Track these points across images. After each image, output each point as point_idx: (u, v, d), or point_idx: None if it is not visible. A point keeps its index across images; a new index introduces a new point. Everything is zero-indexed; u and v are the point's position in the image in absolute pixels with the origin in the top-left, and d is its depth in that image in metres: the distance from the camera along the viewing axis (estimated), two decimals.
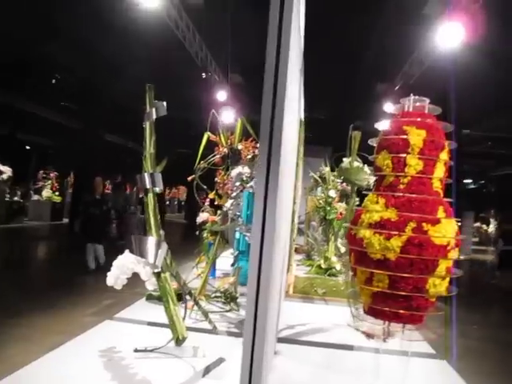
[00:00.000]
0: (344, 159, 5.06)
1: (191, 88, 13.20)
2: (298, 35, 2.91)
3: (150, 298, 4.71)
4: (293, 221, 5.62)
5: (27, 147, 29.42)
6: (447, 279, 2.74)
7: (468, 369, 4.20)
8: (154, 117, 3.29)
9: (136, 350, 3.28)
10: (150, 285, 3.05)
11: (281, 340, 3.86)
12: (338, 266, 7.27)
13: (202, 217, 5.27)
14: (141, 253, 2.97)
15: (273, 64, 2.29)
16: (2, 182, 13.41)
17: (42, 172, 17.73)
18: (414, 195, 2.63)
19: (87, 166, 13.50)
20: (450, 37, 6.99)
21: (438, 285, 2.64)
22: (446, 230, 2.60)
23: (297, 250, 10.39)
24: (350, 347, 3.75)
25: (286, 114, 2.46)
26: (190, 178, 4.98)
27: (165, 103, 3.31)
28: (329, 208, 7.51)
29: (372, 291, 2.74)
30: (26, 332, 3.93)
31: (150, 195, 3.18)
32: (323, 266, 7.30)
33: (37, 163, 23.68)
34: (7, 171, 13.85)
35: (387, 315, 2.73)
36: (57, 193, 16.43)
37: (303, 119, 6.50)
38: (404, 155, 2.69)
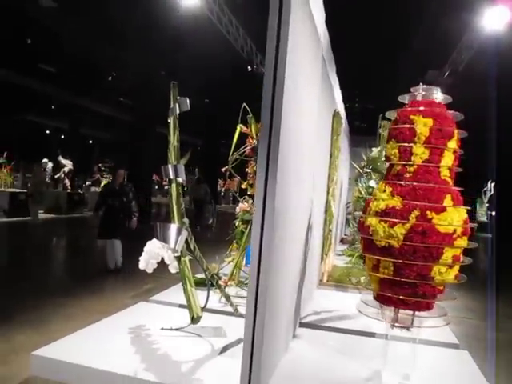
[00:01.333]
0: (373, 149, 5.05)
1: (238, 81, 13.44)
2: (309, 30, 2.99)
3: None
4: (326, 211, 5.69)
5: (90, 141, 31.30)
6: (455, 267, 2.74)
7: None
8: (178, 112, 3.50)
9: (162, 329, 3.55)
10: (173, 268, 3.28)
11: (303, 325, 3.99)
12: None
13: (241, 206, 5.44)
14: (163, 238, 3.20)
15: (272, 60, 2.43)
16: (63, 175, 14.46)
17: (99, 165, 18.75)
18: (418, 183, 2.65)
19: (140, 158, 14.19)
20: (497, 20, 6.65)
21: (444, 273, 2.65)
22: (451, 218, 2.60)
23: (342, 241, 10.38)
24: (371, 334, 3.80)
25: (291, 105, 2.58)
26: (223, 169, 5.17)
27: (187, 99, 3.51)
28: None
29: (379, 278, 2.80)
30: (72, 311, 4.32)
31: (173, 185, 3.41)
32: None
33: (97, 156, 25.11)
34: (68, 164, 14.88)
35: (394, 301, 2.78)
36: None
37: (340, 110, 6.51)
38: (410, 144, 2.71)
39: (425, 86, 2.87)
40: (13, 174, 12.18)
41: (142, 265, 3.56)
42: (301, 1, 2.73)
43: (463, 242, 2.67)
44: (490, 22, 6.71)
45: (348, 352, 3.39)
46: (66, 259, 8.41)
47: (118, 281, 5.90)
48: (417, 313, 2.89)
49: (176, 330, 3.53)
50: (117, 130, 22.05)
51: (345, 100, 7.74)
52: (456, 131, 2.76)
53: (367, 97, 15.25)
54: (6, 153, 12.17)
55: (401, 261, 2.62)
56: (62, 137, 26.17)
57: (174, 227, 3.24)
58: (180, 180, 3.44)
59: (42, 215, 12.37)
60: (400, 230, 2.62)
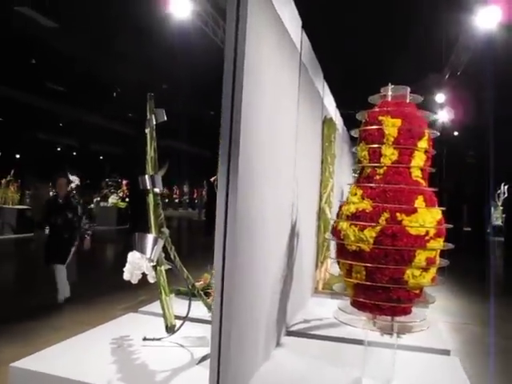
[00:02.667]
0: None
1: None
2: (277, 38, 3.00)
3: (178, 293, 4.98)
4: (319, 218, 5.65)
5: (100, 157, 31.77)
6: (431, 270, 2.68)
7: None
8: (154, 123, 3.53)
9: (145, 339, 3.53)
10: (151, 278, 3.28)
11: (290, 333, 3.93)
12: None
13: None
14: (140, 248, 3.21)
15: (231, 68, 2.44)
16: (71, 190, 14.64)
17: (107, 180, 19.02)
18: (388, 185, 2.62)
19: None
20: (490, 20, 6.60)
21: (418, 276, 2.60)
22: (423, 219, 2.56)
23: None
24: (357, 341, 3.72)
25: (252, 113, 2.56)
26: (212, 179, 5.18)
27: (164, 110, 3.54)
28: None
29: (353, 283, 2.76)
30: (62, 322, 4.34)
31: (151, 195, 3.42)
32: None
33: (108, 171, 25.43)
34: (75, 180, 15.08)
35: (369, 307, 2.73)
36: (126, 199, 17.56)
37: (334, 116, 6.49)
38: (379, 145, 2.68)
39: (393, 86, 2.85)
40: (19, 192, 12.40)
41: (126, 276, 3.56)
42: (261, 11, 2.74)
43: (437, 244, 2.62)
44: (484, 21, 6.66)
45: (332, 360, 3.32)
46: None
47: (116, 291, 5.88)
48: (397, 318, 2.84)
49: (158, 339, 3.51)
50: (125, 145, 22.35)
51: (346, 107, 7.72)
52: (426, 131, 2.72)
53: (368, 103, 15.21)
54: (13, 171, 12.42)
55: (372, 265, 2.58)
56: (74, 153, 26.62)
57: (150, 237, 3.25)
58: (157, 190, 3.45)
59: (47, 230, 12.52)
60: (370, 234, 2.58)
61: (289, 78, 3.52)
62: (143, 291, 5.57)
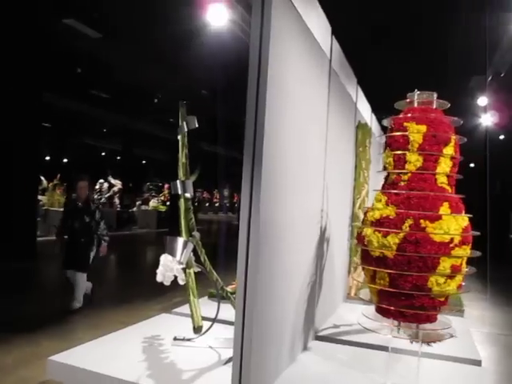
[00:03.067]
0: None
1: None
2: (304, 46, 3.05)
3: (211, 296, 5.09)
4: (353, 223, 5.61)
5: (143, 162, 32.73)
6: (457, 278, 2.65)
7: None
8: (186, 130, 3.65)
9: (175, 339, 3.65)
10: (181, 280, 3.39)
11: (319, 338, 3.95)
12: None
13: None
14: (171, 251, 3.33)
15: (255, 75, 2.52)
16: (113, 194, 15.25)
17: (148, 184, 19.59)
18: (412, 192, 2.61)
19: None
20: None
21: (442, 283, 2.57)
22: (448, 226, 2.53)
23: None
24: (386, 348, 3.69)
25: (276, 123, 2.61)
26: None
27: (195, 117, 3.65)
28: None
29: (377, 289, 2.76)
30: (97, 321, 4.55)
31: (182, 200, 3.54)
32: None
33: (151, 175, 26.17)
34: (117, 184, 15.67)
35: (392, 313, 2.72)
36: (167, 203, 18.00)
37: (369, 121, 6.44)
38: (404, 152, 2.68)
39: (420, 92, 2.83)
40: (65, 195, 13.01)
41: (159, 278, 3.69)
42: (285, 19, 2.80)
43: (462, 252, 2.58)
44: None
45: (357, 365, 3.32)
46: (105, 273, 8.82)
47: (153, 292, 6.03)
48: (421, 326, 2.81)
49: (188, 340, 3.62)
50: (167, 150, 22.91)
51: (384, 112, 7.62)
52: (453, 137, 2.69)
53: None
54: (59, 175, 13.06)
55: (395, 271, 2.58)
56: (118, 158, 27.55)
57: (180, 240, 3.36)
58: (188, 195, 3.56)
59: None
60: (393, 240, 2.58)
61: (318, 84, 3.56)
62: (179, 293, 5.72)
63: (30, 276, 4.97)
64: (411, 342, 3.85)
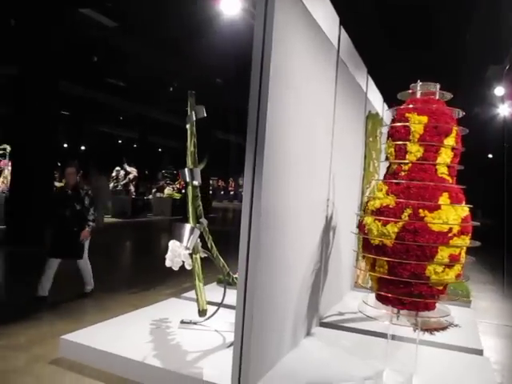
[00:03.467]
0: None
1: None
2: (309, 36, 3.08)
3: (219, 281, 5.21)
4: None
5: (159, 149, 32.96)
6: (456, 267, 2.68)
7: None
8: (194, 119, 3.73)
9: (182, 322, 3.78)
10: (187, 265, 3.49)
11: (324, 324, 4.03)
12: None
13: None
14: (178, 237, 3.43)
15: (258, 65, 2.57)
16: (128, 181, 15.48)
17: (163, 172, 19.77)
18: (412, 181, 2.64)
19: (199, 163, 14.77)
20: None
21: (440, 272, 2.61)
22: (446, 216, 2.56)
23: None
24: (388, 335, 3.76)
25: (278, 112, 2.67)
26: None
27: (203, 107, 3.73)
28: None
29: (377, 277, 2.81)
30: (109, 304, 4.70)
31: (189, 187, 3.63)
32: None
33: (163, 164, 26.37)
34: (133, 171, 15.88)
35: (391, 301, 2.77)
36: (183, 190, 18.13)
37: (381, 111, 6.41)
38: (405, 142, 2.71)
39: (422, 83, 2.85)
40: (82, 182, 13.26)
41: (167, 263, 3.80)
42: (290, 11, 2.84)
43: (461, 242, 2.61)
44: None
45: (358, 352, 3.39)
46: (118, 258, 9.03)
47: (162, 277, 6.19)
48: (420, 313, 2.86)
49: (194, 323, 3.74)
50: (182, 138, 22.97)
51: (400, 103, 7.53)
52: (454, 128, 2.71)
53: None
54: (76, 161, 13.30)
55: (394, 259, 2.63)
56: (135, 146, 27.81)
57: (187, 227, 3.46)
58: (195, 183, 3.65)
59: (108, 219, 13.31)
60: (392, 229, 2.62)
61: (325, 75, 3.59)
62: (189, 278, 5.86)
63: (42, 260, 5.14)
64: (414, 330, 3.93)
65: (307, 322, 3.67)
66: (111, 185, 16.06)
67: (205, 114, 3.72)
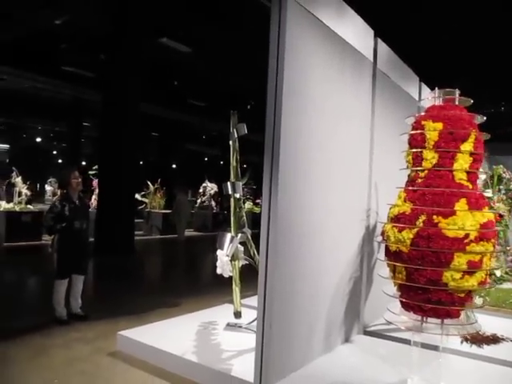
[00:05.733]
0: None
1: None
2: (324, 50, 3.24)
3: None
4: None
5: (244, 166, 34.16)
6: (478, 274, 2.64)
7: None
8: (236, 136, 4.04)
9: (228, 324, 4.05)
10: (228, 271, 3.77)
11: (367, 333, 4.04)
12: (498, 273, 6.59)
13: None
14: (219, 245, 3.73)
15: (273, 86, 2.80)
16: (209, 197, 16.30)
17: (243, 187, 20.51)
18: (428, 188, 2.67)
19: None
20: None
21: (458, 279, 2.59)
22: (463, 222, 2.55)
23: None
24: (432, 347, 3.68)
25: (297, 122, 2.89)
26: None
27: (245, 125, 4.02)
28: None
29: (398, 284, 2.85)
30: (171, 310, 5.13)
31: (232, 200, 3.93)
32: None
33: (245, 179, 27.16)
34: (213, 187, 16.68)
35: (412, 307, 2.79)
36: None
37: None
38: (420, 150, 2.75)
39: (440, 90, 2.86)
40: (165, 197, 14.31)
41: (218, 270, 4.12)
42: (307, 31, 3.03)
43: (479, 248, 2.57)
44: None
45: (391, 360, 3.38)
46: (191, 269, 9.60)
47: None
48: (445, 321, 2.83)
49: (239, 327, 3.99)
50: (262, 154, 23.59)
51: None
52: (473, 133, 2.69)
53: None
54: (159, 179, 14.38)
55: (410, 266, 2.66)
56: (222, 162, 29.16)
57: (228, 236, 3.74)
58: (237, 195, 3.94)
59: (189, 233, 14.13)
60: (408, 235, 2.67)
61: (355, 86, 3.70)
62: (252, 287, 6.12)
63: (123, 268, 5.75)
64: (461, 343, 3.81)
65: (345, 329, 3.73)
66: (198, 200, 17.03)
67: (246, 131, 4.01)
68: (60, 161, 25.14)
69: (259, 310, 2.81)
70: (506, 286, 5.88)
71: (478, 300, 2.95)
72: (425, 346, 3.32)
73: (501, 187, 7.31)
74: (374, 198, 4.14)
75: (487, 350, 3.60)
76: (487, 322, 4.22)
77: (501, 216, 6.82)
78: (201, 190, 17.50)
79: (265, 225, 2.80)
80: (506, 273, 6.35)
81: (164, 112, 17.54)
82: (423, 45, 7.77)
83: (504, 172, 7.44)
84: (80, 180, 4.80)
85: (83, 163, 22.42)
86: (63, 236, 4.53)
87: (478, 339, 3.84)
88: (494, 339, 3.90)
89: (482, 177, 4.88)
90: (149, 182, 14.72)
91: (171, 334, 3.75)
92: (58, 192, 4.84)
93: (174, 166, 26.87)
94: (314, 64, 3.12)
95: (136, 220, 13.72)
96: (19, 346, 3.77)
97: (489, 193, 7.06)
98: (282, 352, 2.90)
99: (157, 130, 20.47)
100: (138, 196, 14.40)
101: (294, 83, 2.89)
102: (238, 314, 3.54)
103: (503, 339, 3.92)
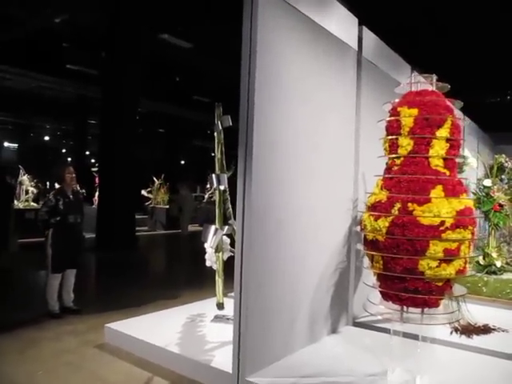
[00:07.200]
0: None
1: None
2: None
3: None
4: None
5: None
6: (457, 262, 2.60)
7: None
8: (220, 128, 4.03)
9: (216, 317, 4.06)
10: (212, 262, 3.78)
11: (356, 324, 4.02)
12: (499, 263, 6.51)
13: None
14: (204, 237, 3.74)
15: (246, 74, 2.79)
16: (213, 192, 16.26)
17: None
18: (402, 175, 2.63)
19: None
20: None
21: (434, 267, 2.55)
22: (438, 209, 2.51)
23: None
24: (416, 337, 3.65)
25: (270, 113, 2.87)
26: None
27: (229, 117, 4.01)
28: (485, 198, 6.78)
29: (376, 273, 2.82)
30: (167, 301, 5.16)
31: (217, 192, 3.93)
32: (482, 262, 6.64)
33: None
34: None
35: (390, 296, 2.76)
36: None
37: None
38: (396, 136, 2.71)
39: (417, 75, 2.82)
40: (168, 193, 14.35)
41: (207, 263, 4.13)
42: (283, 20, 3.01)
43: (456, 235, 2.53)
44: None
45: (376, 350, 3.35)
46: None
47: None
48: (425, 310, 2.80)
49: (227, 319, 3.99)
50: None
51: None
52: (449, 119, 2.64)
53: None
54: (163, 175, 14.45)
55: (386, 254, 2.63)
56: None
57: (212, 228, 3.75)
58: (222, 187, 3.93)
59: (193, 228, 14.17)
60: (383, 224, 2.63)
61: (339, 76, 3.66)
62: None
63: (123, 263, 5.81)
64: (451, 333, 3.77)
65: (332, 320, 3.71)
66: (206, 196, 17.06)
67: (230, 123, 4.00)
68: (69, 159, 25.35)
69: (236, 300, 2.81)
70: (505, 276, 5.78)
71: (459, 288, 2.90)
72: (410, 336, 3.31)
73: (503, 177, 7.20)
74: (362, 187, 4.10)
75: (477, 340, 3.56)
76: (482, 313, 4.18)
77: (500, 206, 6.72)
78: (208, 186, 17.55)
79: (240, 212, 2.79)
80: (507, 263, 6.26)
81: (170, 108, 17.59)
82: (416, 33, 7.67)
83: (506, 161, 7.32)
84: (74, 175, 4.87)
85: (92, 160, 22.66)
86: (57, 230, 4.60)
87: (469, 329, 3.80)
88: (485, 329, 3.85)
89: (474, 165, 4.79)
90: (155, 178, 14.79)
91: (158, 327, 3.77)
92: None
93: (182, 161, 27.01)
94: (290, 52, 3.09)
95: (140, 216, 13.94)
96: (11, 339, 3.84)
97: (488, 182, 6.97)
98: (261, 342, 2.90)
99: (164, 126, 20.53)
100: (144, 192, 14.54)
101: (268, 74, 2.87)
102: (220, 306, 3.56)
103: (494, 329, 3.86)
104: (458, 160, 4.84)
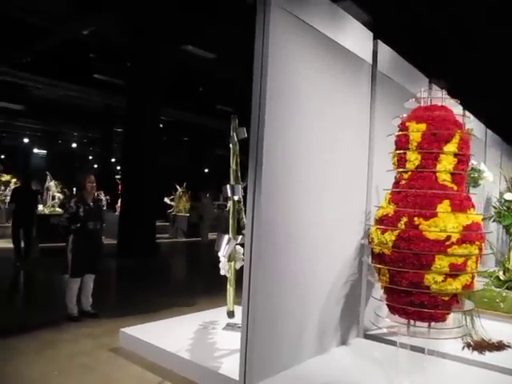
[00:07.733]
0: None
1: None
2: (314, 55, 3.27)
3: None
4: None
5: None
6: (463, 277, 2.60)
7: None
8: (236, 140, 4.12)
9: (228, 325, 4.12)
10: (224, 270, 3.85)
11: (368, 336, 4.01)
12: None
13: None
14: (217, 246, 3.82)
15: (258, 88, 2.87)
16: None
17: None
18: (410, 190, 2.66)
19: None
20: None
21: (440, 282, 2.56)
22: (444, 224, 2.53)
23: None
24: (429, 352, 3.62)
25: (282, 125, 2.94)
26: None
27: (244, 129, 4.10)
28: (506, 212, 6.66)
29: (383, 286, 2.84)
30: (182, 308, 5.25)
31: (230, 202, 4.01)
32: (502, 277, 6.50)
33: None
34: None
35: (397, 310, 2.77)
36: None
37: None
38: (404, 151, 2.74)
39: (426, 90, 2.85)
40: (190, 201, 14.52)
41: (222, 272, 4.21)
42: (293, 34, 3.08)
43: (462, 250, 2.53)
44: None
45: (385, 363, 3.34)
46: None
47: None
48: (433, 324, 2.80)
49: (239, 327, 4.04)
50: None
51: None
52: (457, 134, 2.66)
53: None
54: (185, 183, 14.64)
55: (392, 268, 2.65)
56: None
57: (225, 237, 3.82)
58: (236, 198, 4.01)
59: (214, 236, 14.28)
60: (390, 237, 2.66)
61: (353, 89, 3.71)
62: None
63: (143, 270, 5.96)
64: (463, 349, 3.73)
65: (342, 332, 3.72)
66: (228, 204, 17.13)
67: (246, 135, 4.08)
68: (95, 165, 26.00)
69: (243, 309, 2.87)
70: None
71: (469, 303, 2.89)
72: (418, 349, 3.30)
73: None
74: (375, 201, 4.12)
75: (489, 356, 3.51)
76: (498, 329, 4.11)
77: None
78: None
79: (249, 224, 2.86)
80: None
81: (194, 117, 17.87)
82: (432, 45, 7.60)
83: None
84: (94, 184, 5.08)
85: (117, 167, 23.17)
86: (77, 236, 4.78)
87: (482, 346, 3.75)
88: (498, 346, 3.79)
89: (490, 179, 4.74)
90: (177, 186, 15.01)
91: (171, 332, 3.86)
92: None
93: (205, 170, 27.29)
94: (304, 68, 3.16)
95: (163, 223, 14.15)
96: (30, 339, 4.01)
97: (509, 196, 6.85)
98: (269, 351, 2.94)
99: (188, 135, 20.83)
100: (167, 200, 14.77)
101: (280, 89, 2.95)
102: (230, 314, 3.61)
103: (509, 346, 3.80)
104: (473, 174, 4.83)
